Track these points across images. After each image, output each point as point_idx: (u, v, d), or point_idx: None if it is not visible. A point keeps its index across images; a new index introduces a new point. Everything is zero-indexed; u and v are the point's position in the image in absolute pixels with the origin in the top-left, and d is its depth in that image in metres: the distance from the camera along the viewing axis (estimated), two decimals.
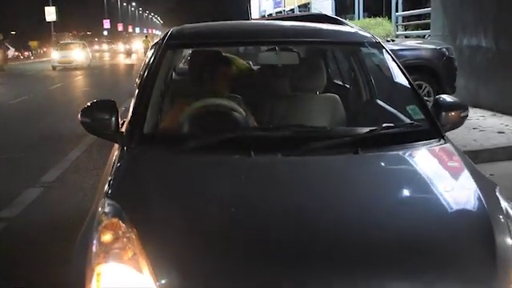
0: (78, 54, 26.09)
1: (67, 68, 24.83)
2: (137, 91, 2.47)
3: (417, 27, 13.27)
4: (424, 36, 11.81)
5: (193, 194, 1.85)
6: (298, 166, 2.00)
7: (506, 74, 8.04)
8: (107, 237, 1.64)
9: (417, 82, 7.69)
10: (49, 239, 3.61)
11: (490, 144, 5.94)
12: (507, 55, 8.01)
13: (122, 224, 1.66)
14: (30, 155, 6.67)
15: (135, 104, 2.35)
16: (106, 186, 1.96)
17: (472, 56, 8.93)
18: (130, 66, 25.34)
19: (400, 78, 2.63)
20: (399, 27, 13.47)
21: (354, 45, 2.89)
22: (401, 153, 2.15)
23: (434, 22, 10.51)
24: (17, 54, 37.21)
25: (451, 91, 7.88)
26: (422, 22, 12.77)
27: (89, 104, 2.35)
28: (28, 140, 7.57)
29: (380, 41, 2.77)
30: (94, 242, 1.65)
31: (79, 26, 68.06)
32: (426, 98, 7.46)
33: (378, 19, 14.22)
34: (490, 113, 8.07)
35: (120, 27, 71.84)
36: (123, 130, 2.28)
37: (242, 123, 2.50)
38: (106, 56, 43.43)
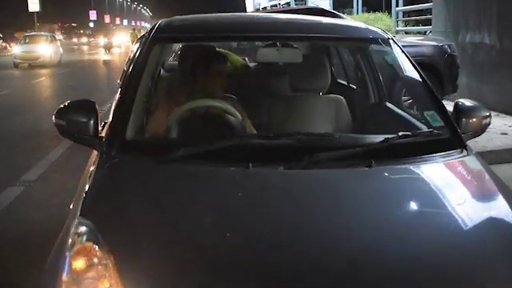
0: (46, 48, 21.93)
1: (32, 65, 20.63)
2: (119, 90, 2.36)
3: (418, 23, 13.25)
4: (425, 32, 11.75)
5: (181, 214, 1.71)
6: (302, 182, 1.88)
7: (510, 73, 7.94)
8: (80, 264, 1.52)
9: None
10: (28, 244, 3.53)
11: (493, 146, 5.79)
12: None
13: (96, 249, 1.54)
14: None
15: (117, 105, 2.25)
16: (81, 202, 1.84)
17: (475, 53, 8.84)
18: (111, 64, 22.91)
19: (415, 79, 2.47)
20: (399, 23, 13.43)
21: (363, 41, 2.76)
22: (420, 167, 2.00)
23: (435, 17, 10.45)
24: (4, 45, 36.61)
25: (453, 90, 7.83)
26: (423, 17, 12.74)
27: (65, 104, 2.21)
28: None
29: (392, 37, 2.62)
30: (65, 268, 1.53)
31: (64, 17, 67.71)
32: None
33: (378, 14, 14.21)
34: (493, 113, 7.94)
35: (107, 19, 71.44)
36: (103, 134, 2.16)
37: (237, 129, 2.39)
38: (85, 50, 39.30)
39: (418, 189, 1.93)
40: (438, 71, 7.75)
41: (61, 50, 24.15)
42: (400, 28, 13.07)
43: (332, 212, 1.72)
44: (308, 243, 1.57)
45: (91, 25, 67.86)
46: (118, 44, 39.07)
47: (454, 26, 9.59)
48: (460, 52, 8.51)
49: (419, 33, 11.96)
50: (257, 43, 3.40)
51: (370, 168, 1.91)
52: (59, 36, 53.83)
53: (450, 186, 1.96)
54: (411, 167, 2.00)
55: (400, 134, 2.09)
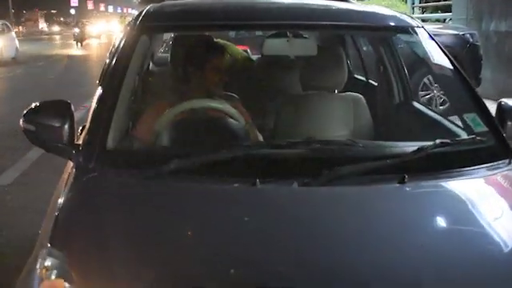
0: None
1: None
2: (99, 89, 2.29)
3: (436, 9, 13.17)
4: (444, 20, 11.67)
5: (172, 247, 1.60)
6: (321, 202, 1.79)
7: None
8: None
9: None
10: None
11: None
12: None
13: (67, 287, 1.45)
14: None
15: (96, 107, 2.18)
16: (51, 226, 1.73)
17: (500, 43, 8.77)
18: (81, 61, 19.67)
19: (451, 76, 2.38)
20: (416, 9, 13.38)
21: (388, 30, 2.65)
22: (463, 183, 1.89)
23: (456, 3, 10.39)
24: None
25: (476, 84, 7.84)
26: (442, 3, 12.67)
27: (36, 105, 2.12)
28: None
29: (423, 26, 2.51)
30: None
31: (43, 2, 67.65)
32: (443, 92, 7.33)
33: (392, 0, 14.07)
34: None
35: (90, 5, 71.49)
36: (80, 142, 2.09)
37: (240, 135, 2.34)
38: (56, 42, 35.30)
39: (462, 211, 1.79)
40: (459, 63, 7.77)
41: (17, 42, 20.01)
42: (417, 15, 13.10)
43: (360, 244, 1.59)
44: (331, 285, 1.45)
45: (72, 11, 67.69)
46: (97, 34, 36.29)
47: (477, 13, 9.50)
48: (483, 42, 8.48)
49: (438, 20, 11.91)
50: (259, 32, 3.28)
51: (403, 184, 1.80)
52: (43, 24, 53.14)
53: (500, 207, 1.84)
54: (452, 183, 1.89)
55: (437, 141, 1.98)
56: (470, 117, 2.24)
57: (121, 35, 2.60)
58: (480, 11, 9.38)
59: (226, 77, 2.67)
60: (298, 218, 1.68)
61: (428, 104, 7.01)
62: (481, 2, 9.41)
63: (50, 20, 66.65)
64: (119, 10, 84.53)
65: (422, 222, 1.72)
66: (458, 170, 1.92)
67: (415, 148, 1.95)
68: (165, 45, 5.99)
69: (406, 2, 13.44)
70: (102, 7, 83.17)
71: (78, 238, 1.65)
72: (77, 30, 30.77)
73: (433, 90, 7.72)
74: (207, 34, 3.24)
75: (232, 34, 5.77)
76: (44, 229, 1.81)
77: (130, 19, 2.65)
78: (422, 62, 2.83)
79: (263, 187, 1.77)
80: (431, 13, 13.49)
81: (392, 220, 1.71)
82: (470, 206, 1.83)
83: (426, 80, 7.65)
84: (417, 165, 1.89)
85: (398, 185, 1.81)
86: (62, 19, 71.33)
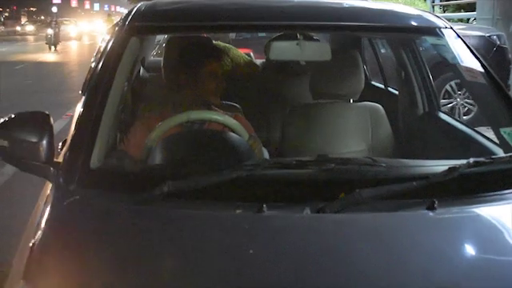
0: None
1: None
2: (82, 98, 2.31)
3: (459, 8, 13.22)
4: (468, 20, 11.69)
5: (167, 281, 1.57)
6: (338, 232, 1.75)
7: None
8: None
9: (459, 80, 7.61)
10: None
11: None
12: None
13: None
14: None
15: (79, 119, 2.18)
16: (25, 258, 1.69)
17: None
18: (55, 69, 17.50)
19: (485, 84, 2.34)
20: (436, 8, 13.44)
21: (412, 31, 2.66)
22: (505, 210, 1.84)
23: (480, 2, 10.39)
24: None
25: None
26: (466, 1, 12.73)
27: (10, 116, 2.09)
28: None
29: (451, 26, 2.50)
30: None
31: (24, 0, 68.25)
32: (468, 100, 7.35)
33: None
34: None
35: (74, 2, 72.02)
36: (60, 160, 2.06)
37: (244, 152, 2.32)
38: (28, 44, 32.74)
39: (503, 244, 1.75)
40: None
41: None
42: (437, 14, 13.07)
43: (384, 282, 1.54)
44: None
45: (54, 9, 68.15)
46: (77, 35, 35.64)
47: (504, 12, 9.48)
48: None
49: (461, 20, 11.93)
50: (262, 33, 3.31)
51: (433, 211, 1.76)
52: (30, 27, 52.05)
53: None
54: (490, 210, 1.84)
55: (471, 160, 1.93)
56: (507, 131, 2.20)
57: (107, 37, 2.59)
58: (508, 10, 9.37)
59: (224, 84, 2.67)
60: (310, 251, 1.65)
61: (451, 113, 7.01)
62: (509, 0, 9.41)
63: (31, 19, 67.20)
64: (106, 9, 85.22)
65: (455, 257, 1.67)
66: (496, 193, 1.89)
67: (445, 168, 1.90)
68: (157, 47, 5.98)
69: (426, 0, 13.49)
70: (87, 5, 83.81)
71: (55, 275, 1.60)
72: (50, 30, 26.79)
73: (456, 98, 7.73)
74: (205, 35, 3.24)
75: (232, 35, 5.77)
76: (17, 260, 1.77)
77: (119, 19, 2.63)
78: (445, 66, 2.80)
79: (270, 214, 1.74)
80: (453, 12, 13.55)
81: (421, 254, 1.66)
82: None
83: (448, 87, 7.67)
84: (448, 188, 1.86)
85: (426, 211, 1.78)
86: (42, 18, 71.79)
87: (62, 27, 32.72)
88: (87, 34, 38.26)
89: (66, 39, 31.24)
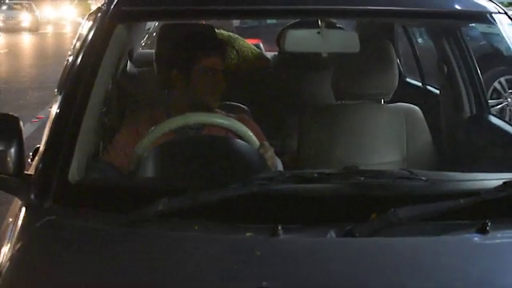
0: None
1: None
2: (59, 98, 2.32)
3: None
4: None
5: None
6: (369, 260, 1.75)
7: None
8: None
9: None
10: None
11: None
12: None
13: None
14: None
15: (54, 123, 2.20)
16: None
17: None
18: None
19: None
20: None
21: (457, 17, 2.68)
22: None
23: None
24: None
25: None
26: None
27: None
28: None
29: (506, 11, 2.52)
30: None
31: None
32: None
33: None
34: None
35: None
36: (31, 172, 2.09)
37: (253, 163, 2.36)
38: None
39: None
40: None
41: None
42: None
43: None
44: None
45: None
46: (31, 25, 31.36)
47: None
48: None
49: (511, 4, 11.91)
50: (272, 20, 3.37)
51: (485, 234, 1.78)
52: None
53: None
54: None
55: None
56: None
57: (87, 25, 2.61)
58: None
59: (225, 82, 2.69)
60: (335, 284, 1.66)
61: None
62: None
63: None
64: None
65: None
66: None
67: (498, 182, 1.93)
68: (147, 37, 6.02)
69: None
70: None
71: None
72: None
73: (506, 98, 7.73)
74: (206, 22, 3.29)
75: (236, 23, 5.84)
76: None
77: (100, 3, 2.66)
78: (494, 58, 2.82)
79: (287, 238, 1.75)
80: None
81: (470, 287, 1.68)
82: None
83: (497, 84, 7.66)
84: (502, 206, 1.88)
85: (476, 235, 1.80)
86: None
87: (9, 13, 30.04)
88: (53, 23, 36.69)
89: (13, 31, 28.52)
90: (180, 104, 2.65)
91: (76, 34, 2.80)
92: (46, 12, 39.85)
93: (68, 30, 31.87)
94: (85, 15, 3.41)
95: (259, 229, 1.79)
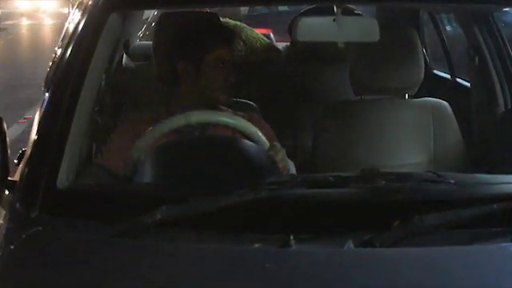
0: None
1: None
2: (46, 95, 2.36)
3: None
4: None
5: None
6: (392, 273, 1.75)
7: None
8: None
9: None
10: None
11: None
12: None
13: None
14: None
15: (42, 123, 2.25)
16: None
17: None
18: None
19: None
20: None
21: (491, 2, 2.68)
22: None
23: None
24: None
25: None
26: None
27: None
28: None
29: None
30: None
31: None
32: None
33: None
34: None
35: None
36: (16, 178, 2.11)
37: (263, 166, 2.37)
38: None
39: None
40: None
41: None
42: None
43: None
44: None
45: None
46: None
47: None
48: None
49: None
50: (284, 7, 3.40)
51: None
52: None
53: None
54: None
55: None
56: None
57: (77, 14, 2.63)
58: None
59: (236, 76, 2.70)
60: None
61: None
62: None
63: None
64: None
65: None
66: None
67: None
68: (145, 27, 6.04)
69: None
70: None
71: None
72: None
73: None
74: (209, 10, 3.28)
75: (244, 10, 5.84)
76: None
77: None
78: None
79: (300, 249, 1.75)
80: None
81: None
82: None
83: None
84: None
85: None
86: None
87: None
88: (27, 15, 35.61)
89: None
90: (185, 101, 2.66)
91: (67, 25, 2.80)
92: (19, 3, 38.20)
93: (46, 23, 31.34)
94: (69, 5, 3.43)
95: (269, 239, 1.79)
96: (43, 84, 2.67)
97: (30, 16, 35.30)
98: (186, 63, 2.68)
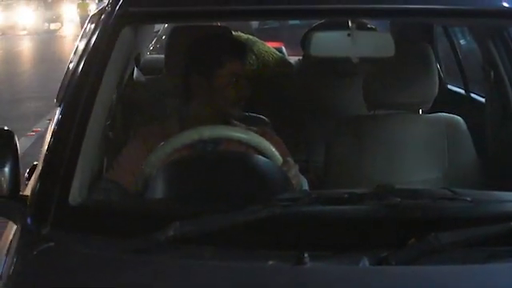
0: None
1: None
2: (58, 110, 2.37)
3: None
4: None
5: None
6: None
7: None
8: None
9: None
10: None
11: None
12: None
13: None
14: None
15: (54, 138, 2.24)
16: None
17: None
18: None
19: None
20: None
21: (507, 17, 2.65)
22: None
23: None
24: None
25: None
26: None
27: None
28: None
29: None
30: None
31: None
32: None
33: None
34: None
35: None
36: (27, 193, 2.12)
37: (275, 181, 2.38)
38: None
39: None
40: None
41: None
42: None
43: None
44: None
45: None
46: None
47: None
48: None
49: None
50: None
51: None
52: None
53: None
54: None
55: None
56: None
57: (90, 28, 2.65)
58: None
59: (249, 90, 2.70)
60: None
61: None
62: None
63: None
64: None
65: None
66: None
67: None
68: (155, 41, 6.05)
69: None
70: None
71: None
72: None
73: None
74: (221, 24, 3.31)
75: (255, 24, 5.85)
76: None
77: (98, 5, 2.67)
78: None
79: (314, 266, 1.74)
80: None
81: None
82: None
83: None
84: None
85: None
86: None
87: None
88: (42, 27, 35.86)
89: None
90: (198, 115, 2.67)
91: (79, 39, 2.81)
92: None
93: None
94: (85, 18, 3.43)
95: (283, 256, 1.78)
96: (55, 98, 2.69)
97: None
98: (199, 77, 2.68)
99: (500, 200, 2.18)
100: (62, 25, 39.64)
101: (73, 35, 25.80)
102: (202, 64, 2.68)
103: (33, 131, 9.10)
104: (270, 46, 4.41)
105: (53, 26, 38.69)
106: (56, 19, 40.65)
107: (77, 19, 30.96)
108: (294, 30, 7.01)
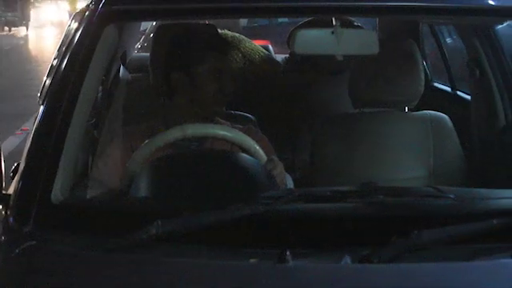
0: None
1: None
2: (41, 109, 2.33)
3: None
4: None
5: None
6: None
7: None
8: None
9: None
10: None
11: None
12: None
13: None
14: None
15: (36, 137, 2.22)
16: None
17: None
18: None
19: None
20: None
21: (493, 14, 2.65)
22: None
23: None
24: None
25: None
26: None
27: None
28: None
29: None
30: None
31: None
32: None
33: None
34: None
35: None
36: (10, 192, 2.11)
37: (260, 180, 2.38)
38: None
39: None
40: None
41: None
42: None
43: None
44: None
45: None
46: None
47: None
48: None
49: None
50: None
51: None
52: None
53: None
54: None
55: None
56: None
57: (73, 25, 2.62)
58: None
59: (233, 86, 2.70)
60: None
61: None
62: None
63: None
64: None
65: None
66: None
67: None
68: (143, 39, 6.05)
69: None
70: None
71: None
72: None
73: None
74: (208, 22, 3.30)
75: (243, 22, 5.86)
76: None
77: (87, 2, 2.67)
78: None
79: (296, 264, 1.74)
80: None
81: None
82: None
83: None
84: None
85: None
86: None
87: None
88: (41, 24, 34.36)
89: None
90: (181, 113, 2.67)
91: (63, 37, 2.80)
92: None
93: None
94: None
95: (265, 254, 1.78)
96: (38, 97, 2.67)
97: None
98: (180, 74, 2.68)
99: (484, 197, 2.18)
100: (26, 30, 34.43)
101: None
102: (183, 61, 2.69)
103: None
104: (257, 44, 4.43)
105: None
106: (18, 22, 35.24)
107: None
108: (283, 27, 7.03)
